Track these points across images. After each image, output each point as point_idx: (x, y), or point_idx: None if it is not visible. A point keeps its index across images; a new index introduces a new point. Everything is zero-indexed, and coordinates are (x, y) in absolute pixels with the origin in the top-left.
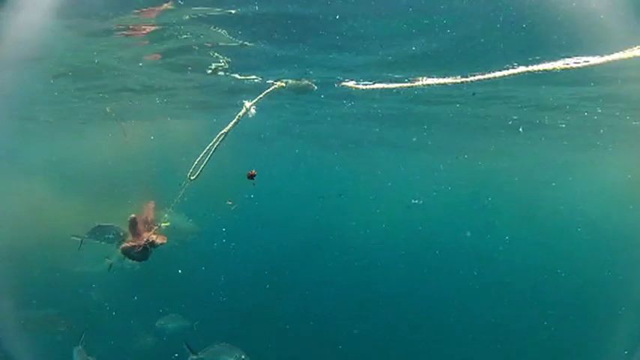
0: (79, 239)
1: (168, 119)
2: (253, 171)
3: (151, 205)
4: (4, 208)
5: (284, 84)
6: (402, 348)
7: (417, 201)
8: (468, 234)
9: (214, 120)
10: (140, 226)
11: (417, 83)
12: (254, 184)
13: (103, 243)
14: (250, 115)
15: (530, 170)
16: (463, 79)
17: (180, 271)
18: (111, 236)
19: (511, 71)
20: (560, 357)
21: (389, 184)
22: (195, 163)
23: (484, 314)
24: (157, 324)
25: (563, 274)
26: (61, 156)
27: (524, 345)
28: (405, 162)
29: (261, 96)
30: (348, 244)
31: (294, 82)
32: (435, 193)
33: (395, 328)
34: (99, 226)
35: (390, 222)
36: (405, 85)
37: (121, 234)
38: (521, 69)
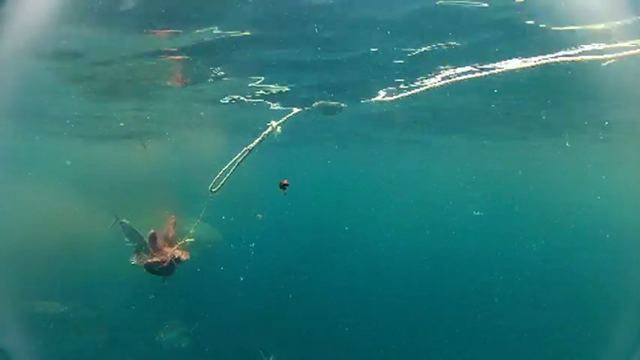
0: (115, 220)
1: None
2: (285, 181)
3: (172, 220)
4: (23, 209)
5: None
6: (418, 349)
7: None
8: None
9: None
10: (160, 241)
11: (436, 83)
12: (285, 194)
13: (126, 240)
14: (276, 135)
15: (546, 173)
16: (477, 74)
17: (197, 278)
18: (133, 236)
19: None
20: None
21: (410, 186)
22: (218, 176)
23: (506, 317)
24: (156, 335)
25: (579, 277)
26: (80, 163)
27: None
28: (426, 165)
29: (288, 116)
30: (370, 249)
31: (322, 102)
32: (458, 198)
33: (415, 330)
34: (124, 222)
35: (412, 226)
36: (429, 86)
37: (142, 245)
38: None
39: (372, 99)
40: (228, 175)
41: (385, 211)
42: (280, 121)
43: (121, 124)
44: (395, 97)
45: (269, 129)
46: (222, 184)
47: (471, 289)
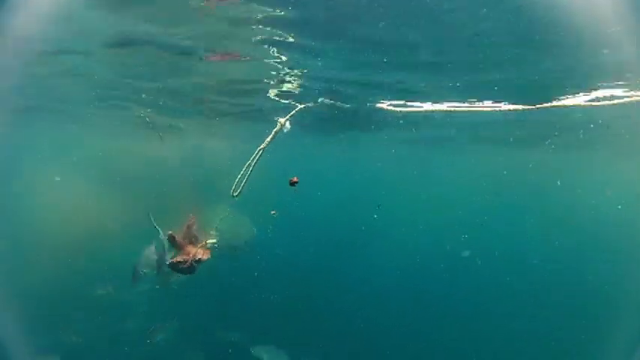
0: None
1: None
2: (295, 178)
3: (192, 220)
4: (52, 201)
5: (317, 103)
6: (431, 343)
7: (466, 253)
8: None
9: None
10: (179, 241)
11: (450, 108)
12: (295, 191)
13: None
14: (285, 130)
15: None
16: (492, 107)
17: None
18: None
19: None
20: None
21: (430, 187)
22: (237, 180)
23: (515, 316)
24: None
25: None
26: (104, 154)
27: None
28: (448, 165)
29: (294, 112)
30: (386, 247)
31: (326, 100)
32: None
33: (427, 326)
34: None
35: (428, 224)
36: (438, 108)
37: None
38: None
39: (377, 105)
40: (246, 177)
41: (409, 210)
42: (287, 117)
43: (141, 114)
44: (399, 109)
45: (278, 126)
46: (242, 188)
47: (484, 289)
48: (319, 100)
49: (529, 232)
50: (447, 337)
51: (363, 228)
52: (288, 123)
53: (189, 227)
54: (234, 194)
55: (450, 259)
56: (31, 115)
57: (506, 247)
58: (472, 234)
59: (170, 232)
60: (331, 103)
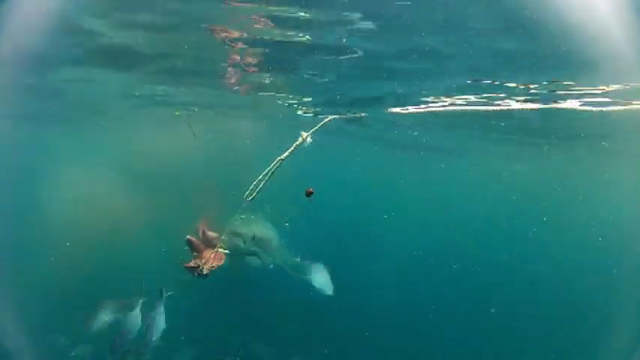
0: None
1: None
2: (311, 189)
3: (204, 225)
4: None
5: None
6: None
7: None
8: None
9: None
10: (197, 245)
11: (457, 107)
12: (310, 201)
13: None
14: (306, 145)
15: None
16: (493, 108)
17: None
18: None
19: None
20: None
21: (438, 190)
22: (253, 184)
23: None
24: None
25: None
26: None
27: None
28: (458, 169)
29: (317, 127)
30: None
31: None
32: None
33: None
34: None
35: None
36: (447, 108)
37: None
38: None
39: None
40: (262, 184)
41: (408, 211)
42: (310, 132)
43: (177, 114)
44: (407, 110)
45: (299, 140)
46: (256, 193)
47: (484, 289)
48: (334, 116)
49: (529, 232)
50: (447, 337)
51: (372, 230)
52: (309, 138)
53: (204, 231)
54: (248, 198)
55: (450, 259)
56: (46, 118)
57: (506, 247)
58: (473, 234)
59: (188, 236)
60: (350, 117)
